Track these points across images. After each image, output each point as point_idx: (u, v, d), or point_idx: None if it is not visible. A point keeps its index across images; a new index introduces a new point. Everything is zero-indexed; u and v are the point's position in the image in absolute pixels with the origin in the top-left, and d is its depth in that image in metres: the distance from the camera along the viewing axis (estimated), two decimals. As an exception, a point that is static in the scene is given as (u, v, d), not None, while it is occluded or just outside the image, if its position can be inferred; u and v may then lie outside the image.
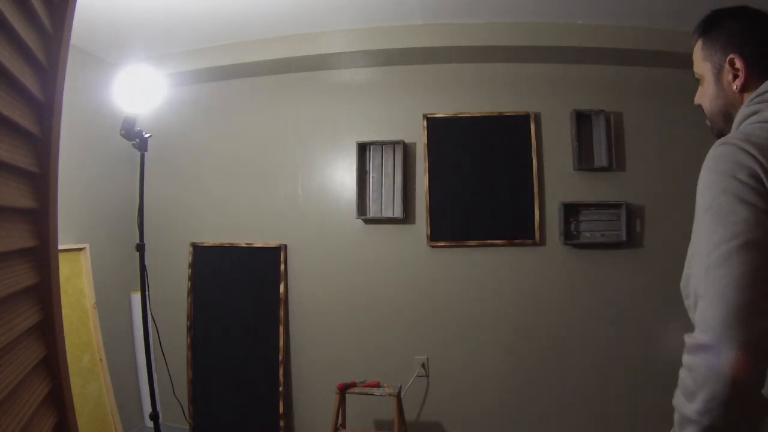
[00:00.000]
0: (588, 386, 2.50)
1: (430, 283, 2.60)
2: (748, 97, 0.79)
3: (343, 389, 2.30)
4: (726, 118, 0.84)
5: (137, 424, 2.81)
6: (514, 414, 2.53)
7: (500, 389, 2.54)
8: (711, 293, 0.58)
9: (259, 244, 2.73)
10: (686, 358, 0.60)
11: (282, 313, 2.64)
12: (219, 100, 2.89)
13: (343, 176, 2.70)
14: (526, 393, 2.53)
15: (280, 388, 2.59)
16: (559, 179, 2.56)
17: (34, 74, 0.87)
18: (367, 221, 2.65)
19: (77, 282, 2.40)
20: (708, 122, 0.90)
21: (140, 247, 1.99)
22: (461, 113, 2.61)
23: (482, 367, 2.55)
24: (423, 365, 2.57)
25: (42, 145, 0.90)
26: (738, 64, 0.80)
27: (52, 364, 0.92)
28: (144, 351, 2.07)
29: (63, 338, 0.95)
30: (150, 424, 2.30)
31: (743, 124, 0.77)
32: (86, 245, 2.47)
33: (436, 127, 2.61)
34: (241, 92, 2.85)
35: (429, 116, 2.61)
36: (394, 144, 2.64)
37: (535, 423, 2.51)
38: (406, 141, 2.63)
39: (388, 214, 2.63)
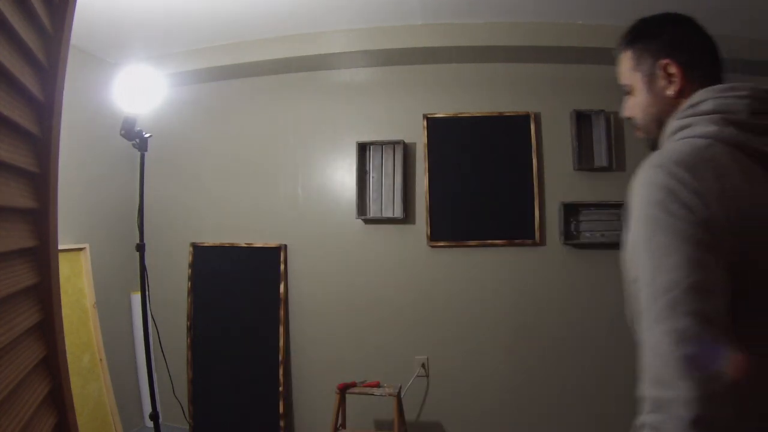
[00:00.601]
0: (588, 386, 2.50)
1: (430, 283, 2.60)
2: (682, 103, 0.76)
3: (343, 389, 2.30)
4: (661, 126, 0.81)
5: (137, 424, 2.81)
6: (514, 414, 2.53)
7: (500, 389, 2.54)
8: (662, 349, 0.57)
9: (259, 244, 2.73)
10: (651, 417, 0.59)
11: (282, 313, 2.64)
12: (219, 100, 2.89)
13: (343, 176, 2.70)
14: (526, 393, 2.53)
15: (280, 388, 2.59)
16: (559, 179, 2.56)
17: (34, 74, 0.87)
18: (367, 221, 2.65)
19: (77, 282, 2.40)
20: (641, 134, 0.86)
21: (140, 247, 1.99)
22: (461, 113, 2.61)
23: (482, 367, 2.55)
24: (423, 365, 2.57)
25: (42, 145, 0.90)
26: (673, 69, 0.78)
27: (52, 364, 0.92)
28: (144, 351, 2.06)
29: (63, 338, 0.95)
30: (150, 424, 2.30)
31: (673, 137, 0.74)
32: (86, 245, 2.47)
33: (436, 127, 2.61)
34: (241, 92, 2.85)
35: (429, 116, 2.61)
36: (394, 144, 2.64)
37: (535, 423, 2.51)
38: (406, 141, 2.63)
39: (388, 214, 2.63)
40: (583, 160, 2.55)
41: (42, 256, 0.90)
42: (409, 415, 2.53)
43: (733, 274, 0.60)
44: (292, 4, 2.25)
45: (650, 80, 0.81)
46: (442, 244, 2.58)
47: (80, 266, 2.44)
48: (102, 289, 2.54)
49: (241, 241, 2.75)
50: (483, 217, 2.56)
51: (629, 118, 0.88)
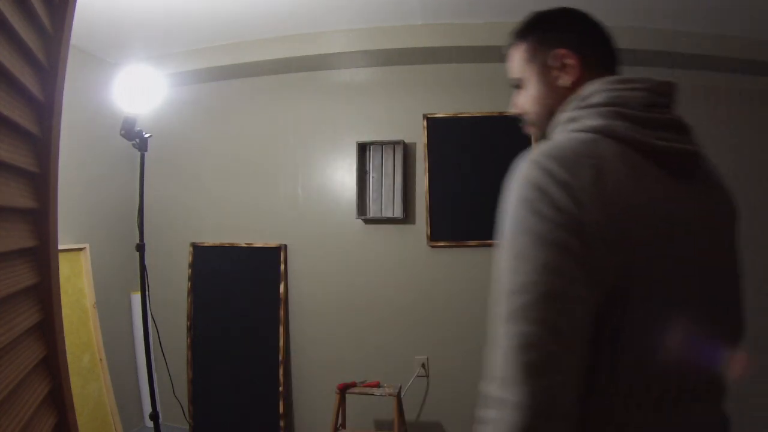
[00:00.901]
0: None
1: (430, 283, 2.60)
2: (576, 94, 0.72)
3: (343, 389, 2.29)
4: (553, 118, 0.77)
5: (137, 424, 2.81)
6: (514, 414, 2.53)
7: (500, 389, 2.54)
8: (507, 351, 0.56)
9: (259, 244, 2.73)
10: (489, 413, 0.58)
11: (282, 313, 2.64)
12: (219, 100, 2.89)
13: (343, 176, 2.70)
14: (526, 393, 2.53)
15: (280, 388, 2.59)
16: (559, 179, 2.56)
17: (34, 74, 0.87)
18: (367, 221, 2.65)
19: (77, 282, 2.40)
20: (533, 130, 0.82)
21: (140, 247, 1.99)
22: (461, 113, 2.61)
23: (482, 367, 2.55)
24: (423, 365, 2.57)
25: (42, 145, 0.90)
26: (569, 60, 0.74)
27: (52, 364, 0.92)
28: (144, 351, 2.06)
29: (63, 338, 0.95)
30: (150, 424, 2.30)
31: (559, 129, 0.71)
32: (86, 245, 2.47)
33: (436, 127, 2.61)
34: (241, 92, 2.85)
35: (429, 116, 2.61)
36: (394, 144, 2.64)
37: (535, 423, 2.51)
38: (406, 141, 2.63)
39: (388, 214, 2.63)
40: (583, 160, 2.55)
41: (42, 256, 0.90)
42: (409, 415, 2.53)
43: (615, 276, 0.57)
44: (292, 4, 2.25)
45: (545, 71, 0.77)
46: (442, 244, 2.58)
47: (80, 266, 2.44)
48: (102, 289, 2.54)
49: (241, 241, 2.75)
50: (483, 217, 2.56)
51: (520, 115, 0.84)
